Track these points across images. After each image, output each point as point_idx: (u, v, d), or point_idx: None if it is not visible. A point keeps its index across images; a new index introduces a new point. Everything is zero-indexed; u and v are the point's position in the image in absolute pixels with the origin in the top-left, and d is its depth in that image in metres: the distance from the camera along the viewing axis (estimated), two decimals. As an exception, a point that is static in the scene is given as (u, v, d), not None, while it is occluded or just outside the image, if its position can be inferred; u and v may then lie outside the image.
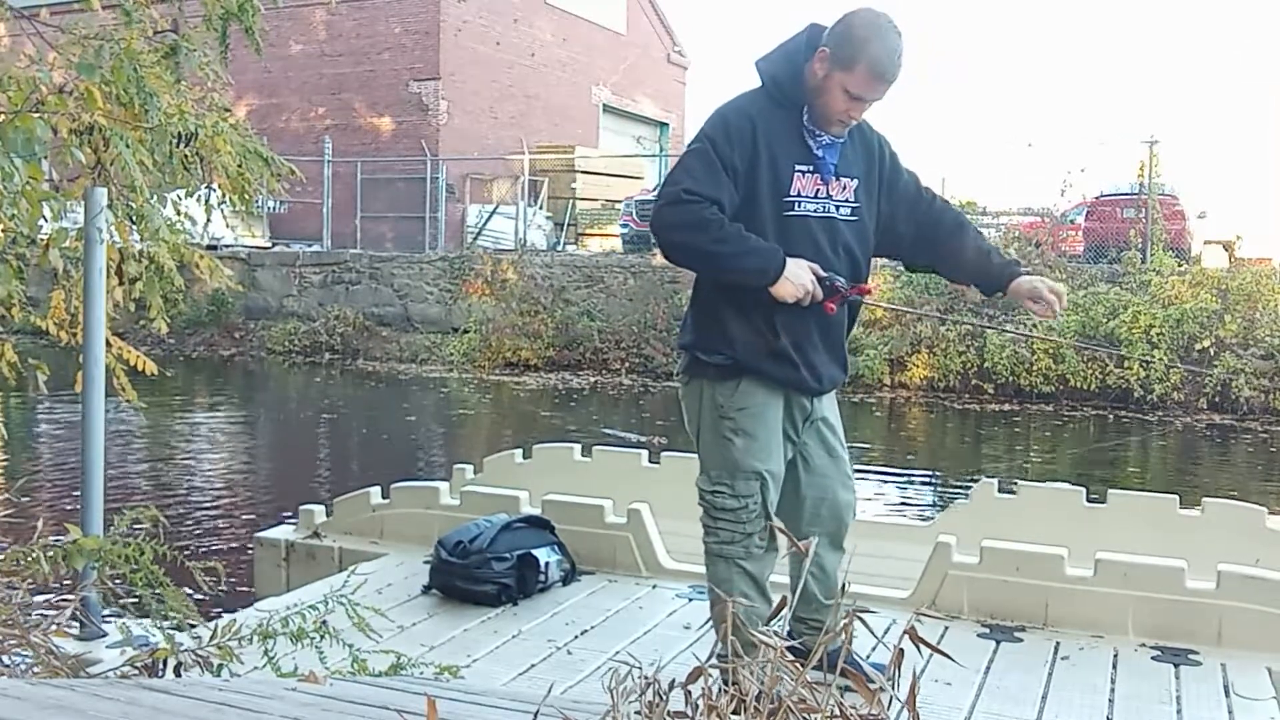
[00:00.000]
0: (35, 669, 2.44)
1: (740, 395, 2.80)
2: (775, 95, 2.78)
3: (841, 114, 2.74)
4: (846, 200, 2.84)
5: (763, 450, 2.80)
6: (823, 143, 2.79)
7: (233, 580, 3.06)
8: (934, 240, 3.01)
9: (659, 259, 16.88)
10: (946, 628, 3.56)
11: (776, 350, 2.78)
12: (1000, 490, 4.39)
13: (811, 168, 2.77)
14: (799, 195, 2.76)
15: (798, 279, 2.68)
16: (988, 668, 3.23)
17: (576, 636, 3.50)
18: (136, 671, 2.55)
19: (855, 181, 2.86)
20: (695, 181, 2.68)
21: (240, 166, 3.97)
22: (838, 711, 1.24)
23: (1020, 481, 4.52)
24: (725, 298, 2.82)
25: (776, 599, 2.91)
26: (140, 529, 2.90)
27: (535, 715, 1.36)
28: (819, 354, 2.85)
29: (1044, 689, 3.08)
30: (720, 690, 1.28)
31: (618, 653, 3.30)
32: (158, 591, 2.79)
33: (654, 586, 4.00)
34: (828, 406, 2.98)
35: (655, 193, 18.86)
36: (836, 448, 2.99)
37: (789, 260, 2.69)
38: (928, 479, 9.20)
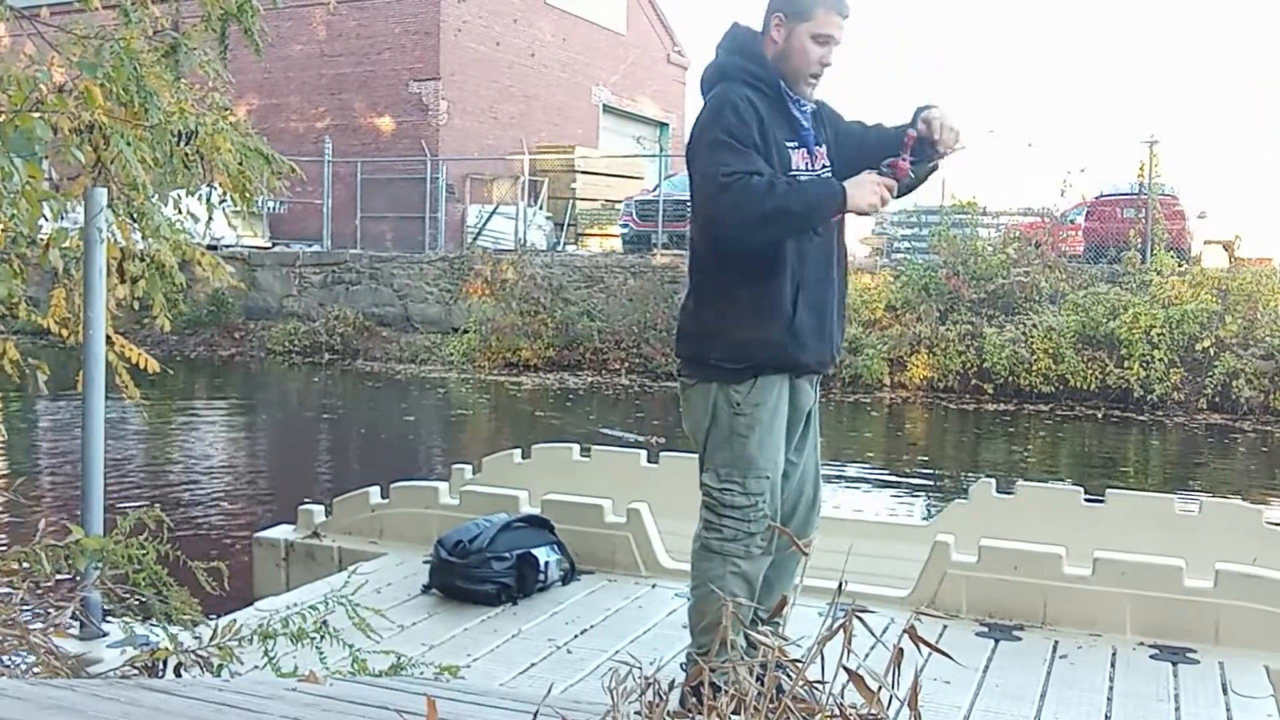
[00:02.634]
0: (35, 669, 2.44)
1: (756, 391, 2.80)
2: (752, 82, 2.81)
3: (816, 63, 2.81)
4: (825, 166, 2.91)
5: (775, 448, 2.82)
6: (806, 112, 2.87)
7: (232, 580, 3.06)
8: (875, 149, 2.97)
9: (659, 259, 16.89)
10: (945, 626, 3.56)
11: (796, 328, 2.78)
12: (999, 490, 4.39)
13: (798, 143, 2.85)
14: (797, 170, 2.82)
15: (864, 185, 2.74)
16: (986, 666, 3.24)
17: (576, 636, 3.50)
18: (136, 671, 2.55)
19: (825, 147, 2.94)
20: (727, 164, 2.68)
21: (241, 165, 3.96)
22: (837, 711, 1.24)
23: (1019, 481, 4.53)
24: (735, 296, 2.79)
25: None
26: (143, 529, 2.90)
27: (535, 715, 1.37)
28: (832, 322, 2.89)
29: (1043, 687, 3.09)
30: (718, 690, 1.28)
31: (617, 652, 3.30)
32: (162, 592, 2.79)
33: (653, 586, 4.00)
34: (815, 398, 3.02)
35: (655, 192, 18.88)
36: (816, 446, 3.06)
37: (844, 182, 2.76)
38: (927, 479, 9.20)
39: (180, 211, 4.11)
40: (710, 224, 2.76)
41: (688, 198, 3.02)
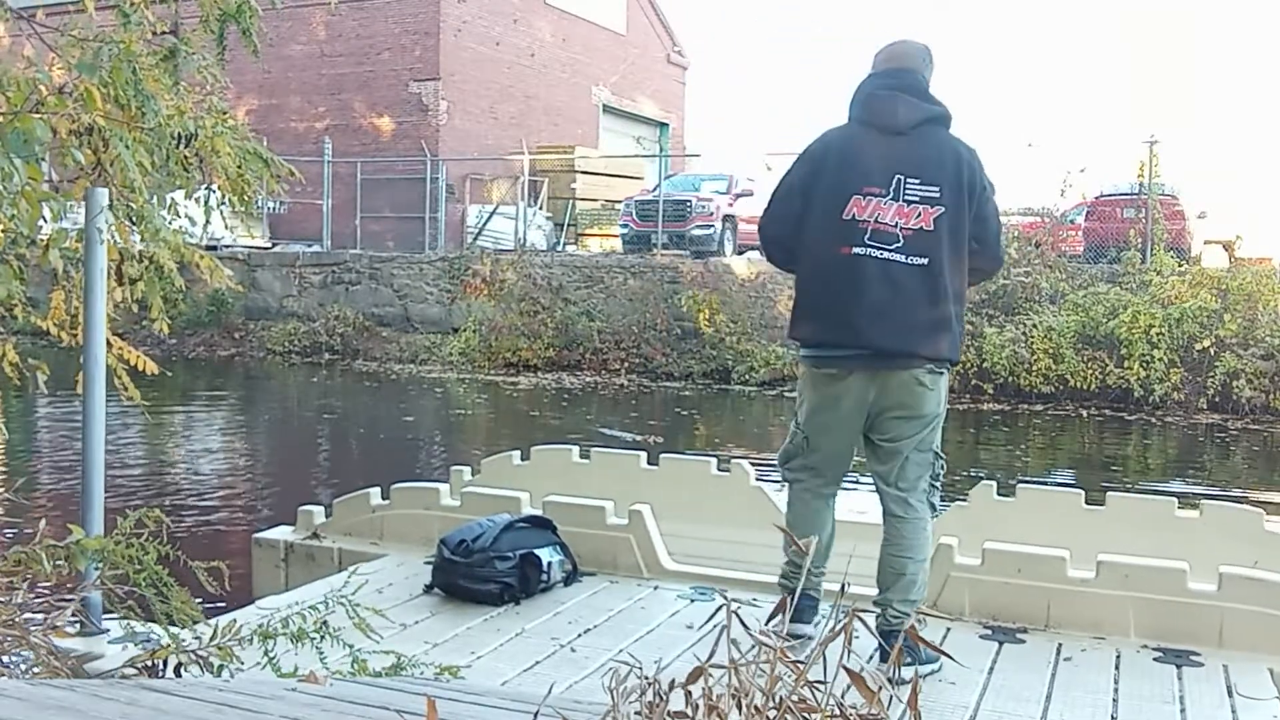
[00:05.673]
0: (35, 669, 2.44)
1: None
2: None
3: None
4: None
5: None
6: None
7: (231, 580, 3.06)
8: None
9: (659, 259, 16.89)
10: (949, 629, 3.55)
11: None
12: (999, 492, 4.38)
13: None
14: None
15: None
16: (991, 668, 3.23)
17: (579, 635, 3.50)
18: (137, 671, 2.54)
19: None
20: None
21: (240, 167, 3.96)
22: (837, 711, 1.24)
23: (1020, 483, 4.52)
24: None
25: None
26: (144, 529, 2.90)
27: (535, 715, 1.36)
28: None
29: (1048, 689, 3.08)
30: (723, 689, 1.28)
31: (620, 652, 3.29)
32: (163, 592, 2.79)
33: (655, 588, 3.99)
34: None
35: (655, 192, 18.88)
36: None
37: None
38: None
39: (178, 215, 4.10)
40: (998, 264, 3.48)
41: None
